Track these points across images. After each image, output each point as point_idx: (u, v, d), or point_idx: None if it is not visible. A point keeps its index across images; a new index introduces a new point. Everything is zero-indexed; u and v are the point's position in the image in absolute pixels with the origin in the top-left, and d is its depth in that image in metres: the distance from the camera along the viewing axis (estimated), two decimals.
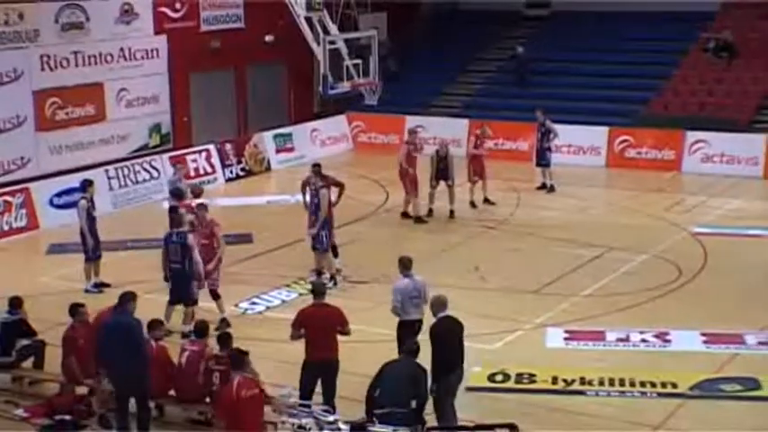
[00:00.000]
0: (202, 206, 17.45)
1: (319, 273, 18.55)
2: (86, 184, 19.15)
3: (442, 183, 23.15)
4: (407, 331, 13.71)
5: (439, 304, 12.90)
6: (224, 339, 13.03)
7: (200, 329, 13.43)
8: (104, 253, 19.17)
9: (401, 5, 33.99)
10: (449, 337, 12.67)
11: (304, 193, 19.70)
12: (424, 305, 13.81)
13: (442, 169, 23.10)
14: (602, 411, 13.50)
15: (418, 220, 22.78)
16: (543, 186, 25.72)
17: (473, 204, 23.75)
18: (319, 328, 12.86)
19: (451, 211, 23.18)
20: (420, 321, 13.78)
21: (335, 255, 19.04)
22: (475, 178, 23.91)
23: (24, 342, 14.51)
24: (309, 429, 12.17)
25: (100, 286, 18.56)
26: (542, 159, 25.68)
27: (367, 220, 22.76)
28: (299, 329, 12.93)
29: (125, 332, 12.43)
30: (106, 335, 12.61)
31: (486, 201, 24.03)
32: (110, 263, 19.33)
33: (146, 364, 12.51)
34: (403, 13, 34.39)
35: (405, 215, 22.97)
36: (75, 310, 13.93)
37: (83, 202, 18.76)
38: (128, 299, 12.78)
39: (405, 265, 14.14)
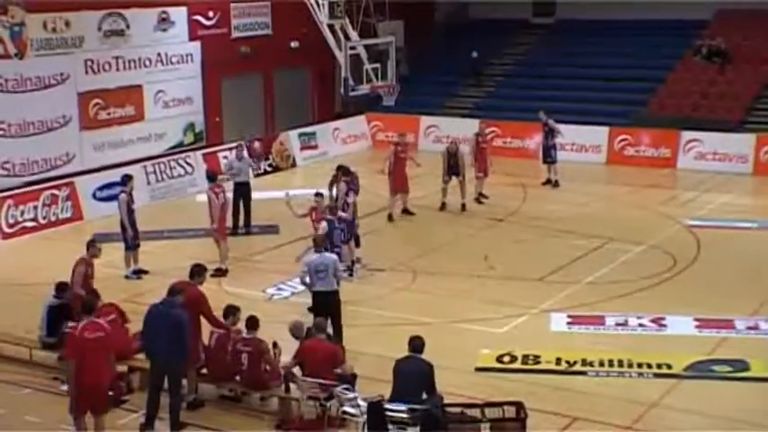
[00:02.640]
0: (320, 195, 18.13)
1: (352, 263, 18.59)
2: (126, 179, 19.20)
3: (454, 178, 23.11)
4: (316, 301, 14.50)
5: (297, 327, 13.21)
6: (252, 323, 13.09)
7: (225, 313, 13.41)
8: (143, 242, 19.24)
9: (417, 14, 33.93)
10: None
11: (331, 189, 19.76)
12: (332, 279, 14.43)
13: (452, 165, 23.04)
14: (602, 390, 13.49)
15: (406, 211, 22.68)
16: (548, 182, 25.65)
17: (480, 199, 23.75)
18: (316, 362, 12.54)
19: (463, 205, 23.13)
20: (329, 293, 14.37)
21: (357, 245, 19.02)
22: (479, 174, 23.83)
23: (70, 324, 14.53)
24: (330, 406, 12.22)
25: (139, 273, 18.65)
26: (548, 157, 25.61)
27: (384, 213, 22.70)
28: (295, 365, 12.67)
29: (172, 323, 12.28)
30: (152, 323, 12.53)
31: (481, 195, 23.97)
32: (148, 251, 19.41)
33: (185, 352, 12.41)
34: (419, 21, 34.31)
35: (406, 211, 22.76)
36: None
37: (123, 195, 18.81)
38: (177, 291, 12.69)
39: (316, 242, 14.93)
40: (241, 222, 21.51)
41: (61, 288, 14.78)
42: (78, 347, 11.64)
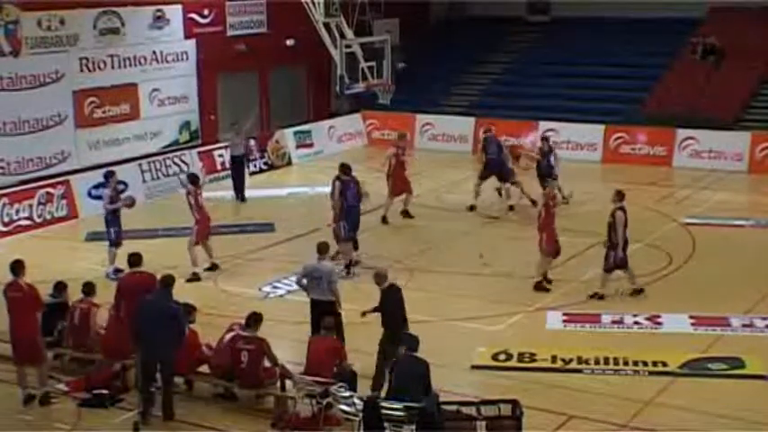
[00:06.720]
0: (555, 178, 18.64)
1: (349, 263, 18.55)
2: (109, 175, 19.15)
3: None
4: (312, 307, 14.13)
5: (382, 276, 13.41)
6: (251, 321, 13.09)
7: (251, 320, 13.32)
8: (138, 240, 19.18)
9: (413, 12, 33.92)
10: (396, 306, 13.22)
11: (333, 188, 19.65)
12: (326, 288, 14.05)
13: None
14: (598, 388, 13.50)
15: (406, 214, 22.51)
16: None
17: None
18: (319, 356, 12.77)
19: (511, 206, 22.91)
20: (322, 303, 13.96)
21: (356, 247, 18.97)
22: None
23: (65, 323, 14.51)
24: (327, 405, 12.21)
25: (118, 272, 18.35)
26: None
27: (380, 212, 22.66)
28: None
29: (165, 314, 12.47)
30: (145, 314, 12.64)
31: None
32: (143, 249, 19.25)
33: (177, 341, 12.55)
34: (414, 19, 34.31)
35: (405, 213, 22.52)
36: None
37: (106, 191, 18.78)
38: (168, 282, 12.84)
39: (319, 249, 14.48)
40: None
41: (59, 287, 14.75)
42: (7, 303, 13.23)
